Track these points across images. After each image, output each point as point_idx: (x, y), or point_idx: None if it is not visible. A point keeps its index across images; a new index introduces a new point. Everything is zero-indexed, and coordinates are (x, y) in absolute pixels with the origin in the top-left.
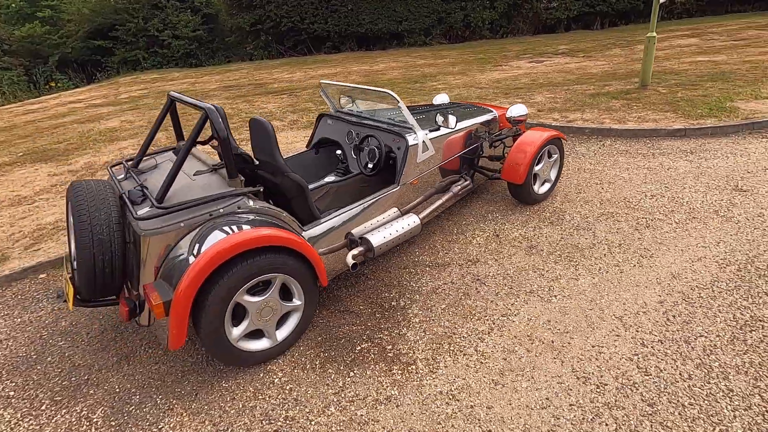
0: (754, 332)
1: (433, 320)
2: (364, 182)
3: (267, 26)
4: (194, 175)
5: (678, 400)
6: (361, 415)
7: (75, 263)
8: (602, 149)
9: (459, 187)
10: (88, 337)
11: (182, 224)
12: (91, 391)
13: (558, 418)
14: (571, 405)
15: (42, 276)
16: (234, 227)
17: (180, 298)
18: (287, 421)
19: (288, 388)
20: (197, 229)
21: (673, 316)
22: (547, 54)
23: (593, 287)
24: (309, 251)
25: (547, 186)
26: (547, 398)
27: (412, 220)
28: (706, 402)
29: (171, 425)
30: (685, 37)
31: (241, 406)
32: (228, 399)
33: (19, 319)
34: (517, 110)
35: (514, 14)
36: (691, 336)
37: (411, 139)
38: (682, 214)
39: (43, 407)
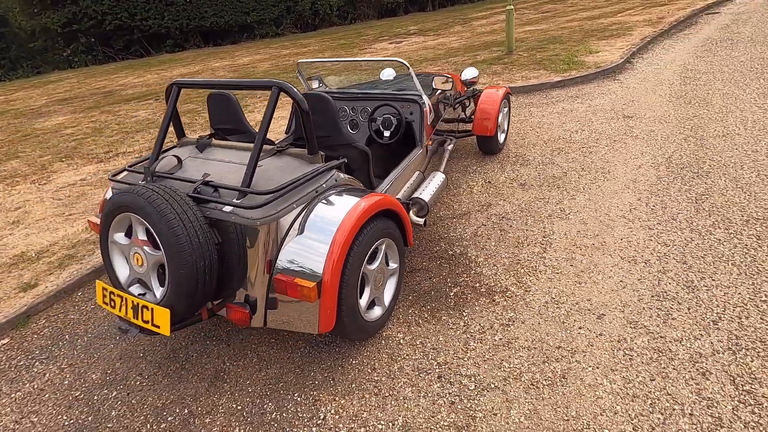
0: (706, 201)
1: (494, 256)
2: (382, 150)
3: (86, 26)
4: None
5: (693, 251)
6: (500, 339)
7: (170, 277)
8: (513, 105)
9: (451, 145)
10: (146, 376)
11: (294, 206)
12: (208, 420)
13: (637, 291)
14: (639, 279)
15: (4, 342)
16: (343, 199)
17: (331, 276)
18: (443, 366)
19: (419, 342)
20: (306, 209)
21: (654, 206)
22: (402, 35)
23: (589, 201)
24: (404, 215)
25: (502, 136)
26: (620, 281)
27: (440, 176)
28: (701, 238)
29: (332, 411)
30: (502, 13)
31: (387, 371)
32: (369, 371)
33: (19, 393)
34: (469, 73)
35: (358, 0)
36: (673, 214)
37: (422, 104)
38: (606, 139)
39: None
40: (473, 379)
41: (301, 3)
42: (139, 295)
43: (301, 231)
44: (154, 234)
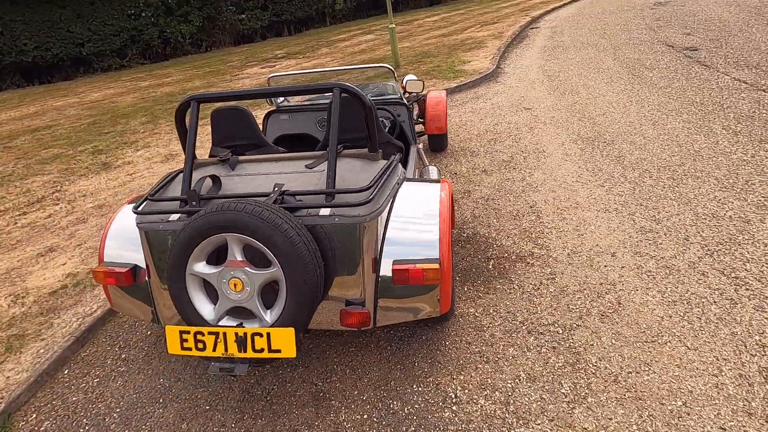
0: (625, 160)
1: (503, 230)
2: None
3: None
4: (308, 166)
5: (640, 196)
6: (554, 290)
7: (290, 291)
8: None
9: (420, 144)
10: (235, 425)
11: (389, 199)
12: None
13: (624, 231)
14: (620, 223)
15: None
16: (423, 188)
17: (446, 257)
18: (526, 323)
19: (492, 310)
20: (393, 201)
21: (593, 170)
22: (271, 59)
23: (545, 175)
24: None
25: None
26: (608, 227)
27: (435, 169)
28: (638, 186)
29: (459, 388)
30: (362, 35)
31: (482, 341)
32: (465, 345)
33: None
34: (411, 79)
35: (210, 27)
36: (609, 173)
37: (409, 106)
38: (524, 127)
39: None
40: (556, 324)
41: (147, 32)
42: (238, 325)
43: (396, 222)
44: (266, 250)
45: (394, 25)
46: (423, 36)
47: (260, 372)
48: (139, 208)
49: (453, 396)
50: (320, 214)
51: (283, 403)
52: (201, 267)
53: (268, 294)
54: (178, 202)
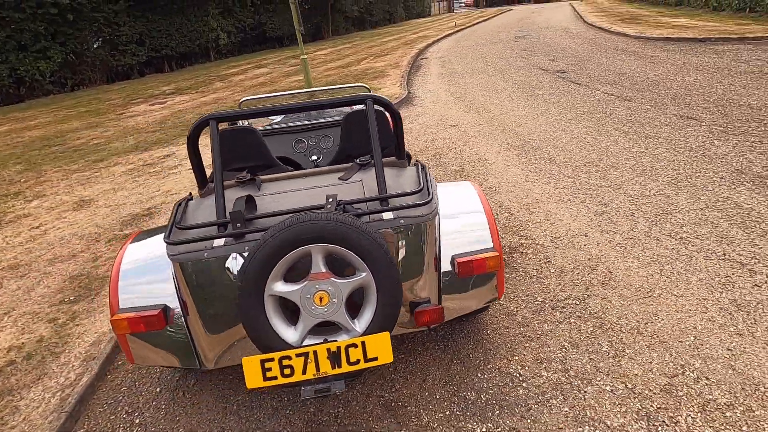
0: (556, 160)
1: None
2: None
3: None
4: (341, 178)
5: (586, 184)
6: (556, 269)
7: (381, 295)
8: None
9: None
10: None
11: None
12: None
13: (602, 212)
14: (588, 208)
15: None
16: (455, 186)
17: (498, 244)
18: (547, 301)
19: (513, 296)
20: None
21: (536, 171)
22: (159, 96)
23: (498, 179)
24: None
25: None
26: (578, 212)
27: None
28: (579, 178)
29: (519, 367)
30: (255, 68)
31: (518, 323)
32: (504, 330)
33: None
34: None
35: (77, 63)
36: (550, 172)
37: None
38: (459, 141)
39: None
40: (571, 298)
41: None
42: (323, 342)
43: (445, 220)
44: (355, 256)
45: (306, 56)
46: (322, 68)
47: (313, 401)
48: (170, 238)
49: (518, 375)
50: (384, 218)
51: (359, 421)
52: (280, 286)
53: (349, 304)
54: (215, 227)
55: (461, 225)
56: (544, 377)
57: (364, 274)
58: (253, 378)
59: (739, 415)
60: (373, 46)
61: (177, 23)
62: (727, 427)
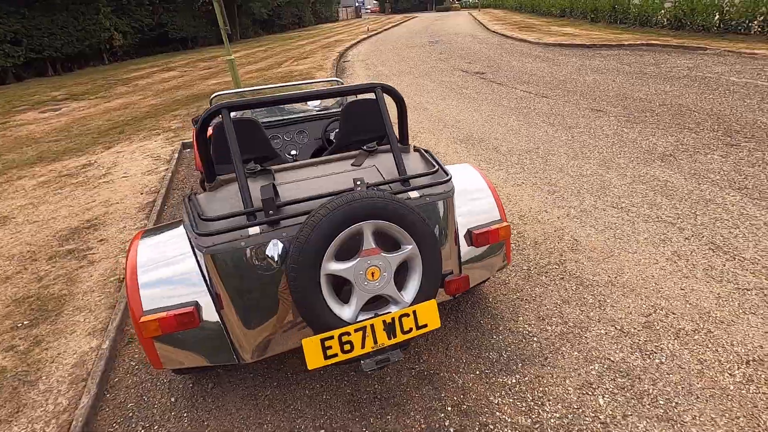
0: (500, 150)
1: None
2: None
3: None
4: (354, 164)
5: (541, 170)
6: (531, 243)
7: (426, 265)
8: None
9: None
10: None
11: None
12: (483, 405)
13: (576, 194)
14: (557, 190)
15: None
16: (456, 167)
17: (504, 216)
18: (550, 266)
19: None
20: None
21: (491, 160)
22: (49, 102)
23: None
24: None
25: None
26: (550, 196)
27: None
28: (531, 163)
29: (533, 329)
30: (163, 71)
31: (528, 293)
32: (515, 297)
33: None
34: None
35: None
36: (501, 162)
37: None
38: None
39: None
40: (551, 264)
41: None
42: (375, 316)
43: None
44: (402, 231)
45: (233, 57)
46: (241, 70)
47: (349, 381)
48: (199, 230)
49: (527, 332)
50: (411, 197)
51: (397, 393)
52: (335, 265)
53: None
54: (244, 216)
55: (471, 201)
56: (549, 331)
57: (410, 247)
58: (314, 358)
59: (703, 336)
60: (290, 49)
61: (61, 21)
62: (697, 346)
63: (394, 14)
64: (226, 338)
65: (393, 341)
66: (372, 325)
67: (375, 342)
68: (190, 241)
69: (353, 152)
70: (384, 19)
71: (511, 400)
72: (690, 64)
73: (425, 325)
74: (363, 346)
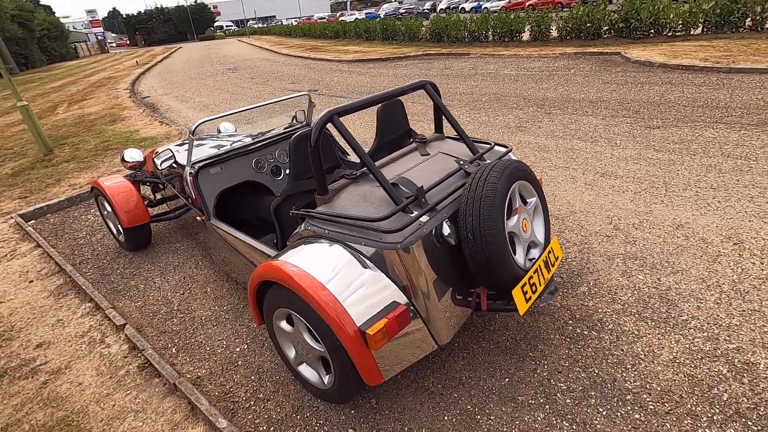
0: None
1: None
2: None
3: None
4: (424, 155)
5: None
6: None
7: (545, 214)
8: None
9: None
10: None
11: None
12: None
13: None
14: None
15: None
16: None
17: None
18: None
19: None
20: None
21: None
22: None
23: None
24: None
25: None
26: None
27: None
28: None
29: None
30: None
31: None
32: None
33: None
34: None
35: None
36: None
37: None
38: None
39: None
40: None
41: None
42: (531, 260)
43: None
44: (532, 187)
45: (26, 103)
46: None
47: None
48: (380, 227)
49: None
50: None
51: (495, 362)
52: (509, 223)
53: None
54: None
55: None
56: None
57: (534, 199)
58: (521, 304)
59: (639, 221)
60: (47, 92)
61: None
62: (631, 225)
63: (151, 46)
64: (425, 327)
65: (548, 275)
66: (539, 266)
67: (544, 278)
68: (355, 251)
69: (407, 149)
70: (143, 52)
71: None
72: (470, 66)
73: (557, 257)
74: (540, 284)
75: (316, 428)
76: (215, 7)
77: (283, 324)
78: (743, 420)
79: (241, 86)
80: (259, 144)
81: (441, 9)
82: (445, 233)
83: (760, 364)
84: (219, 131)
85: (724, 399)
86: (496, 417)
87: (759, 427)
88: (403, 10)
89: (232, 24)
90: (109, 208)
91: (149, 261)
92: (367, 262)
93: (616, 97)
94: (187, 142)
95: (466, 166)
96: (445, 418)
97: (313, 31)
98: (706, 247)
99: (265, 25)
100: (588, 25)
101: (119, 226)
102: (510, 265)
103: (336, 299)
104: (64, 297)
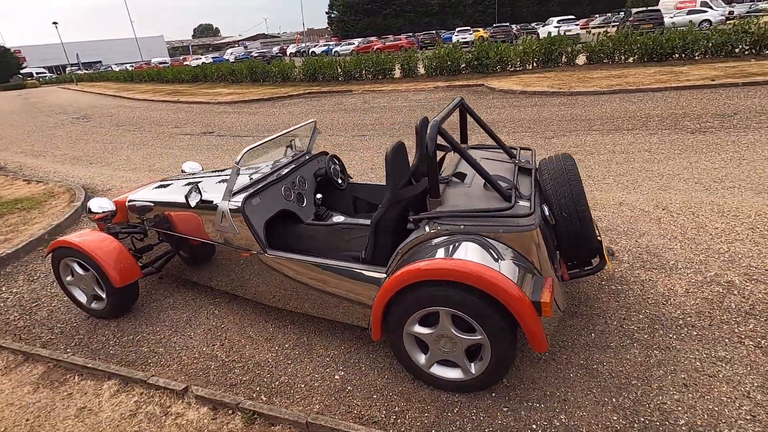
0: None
1: None
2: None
3: None
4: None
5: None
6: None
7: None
8: None
9: None
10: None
11: None
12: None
13: None
14: None
15: None
16: None
17: None
18: None
19: None
20: None
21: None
22: None
23: None
24: None
25: None
26: None
27: None
28: None
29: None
30: None
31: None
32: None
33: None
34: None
35: None
36: None
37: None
38: None
39: None
40: None
41: None
42: None
43: None
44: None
45: None
46: None
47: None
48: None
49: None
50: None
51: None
52: None
53: None
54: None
55: None
56: None
57: None
58: (609, 262)
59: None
60: None
61: None
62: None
63: None
64: (555, 300)
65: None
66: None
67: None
68: (490, 239)
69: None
70: None
71: None
72: (361, 101)
73: None
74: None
75: (473, 418)
76: (18, 51)
77: (417, 328)
78: (755, 316)
79: (112, 134)
80: (288, 171)
81: (291, 53)
82: (547, 214)
83: (735, 280)
84: (183, 171)
85: (733, 306)
86: (605, 362)
87: (766, 318)
88: (255, 54)
89: (45, 71)
90: (81, 271)
91: (145, 323)
92: (505, 245)
93: (507, 117)
94: (178, 178)
95: (520, 164)
96: (570, 375)
97: (164, 76)
98: (648, 214)
99: (93, 71)
100: (449, 63)
101: (101, 289)
102: (594, 236)
103: (511, 281)
104: (63, 384)
